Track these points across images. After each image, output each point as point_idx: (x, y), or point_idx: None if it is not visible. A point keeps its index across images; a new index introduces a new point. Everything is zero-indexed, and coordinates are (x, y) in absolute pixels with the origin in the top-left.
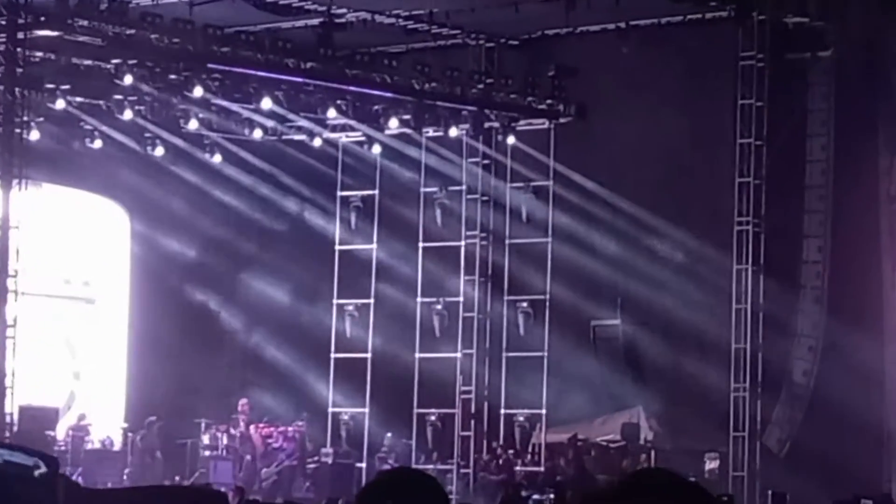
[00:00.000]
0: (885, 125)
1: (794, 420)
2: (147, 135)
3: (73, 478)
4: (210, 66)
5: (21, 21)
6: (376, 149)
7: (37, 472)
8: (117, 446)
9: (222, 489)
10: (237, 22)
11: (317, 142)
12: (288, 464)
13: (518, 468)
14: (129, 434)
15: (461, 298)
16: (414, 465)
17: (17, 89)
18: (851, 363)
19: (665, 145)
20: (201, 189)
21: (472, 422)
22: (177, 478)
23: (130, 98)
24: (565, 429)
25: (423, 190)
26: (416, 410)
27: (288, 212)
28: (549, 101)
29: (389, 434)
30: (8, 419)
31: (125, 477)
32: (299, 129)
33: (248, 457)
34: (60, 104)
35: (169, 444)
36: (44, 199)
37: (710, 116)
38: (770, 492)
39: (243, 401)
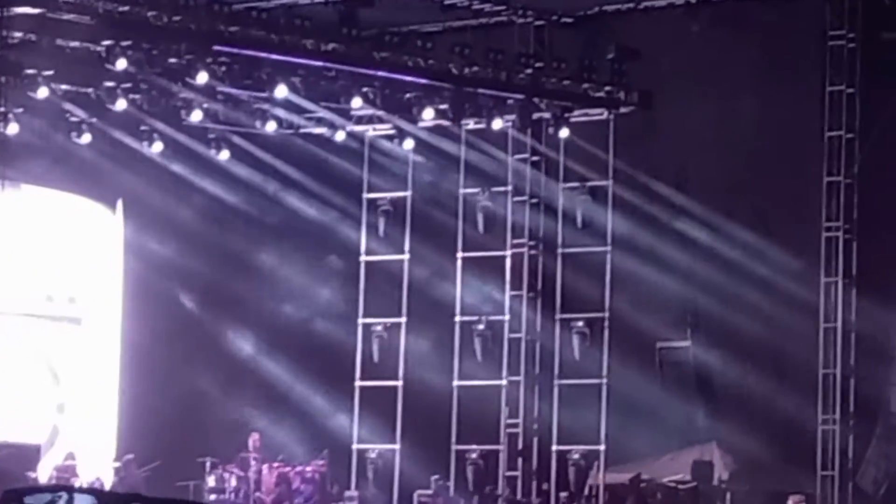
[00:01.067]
0: None
1: (891, 457)
2: (143, 128)
3: None
4: (216, 48)
5: None
6: (408, 144)
7: None
8: (108, 488)
9: None
10: None
11: (339, 136)
12: None
13: None
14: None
15: (506, 317)
16: None
17: None
18: None
19: (742, 139)
20: (206, 191)
21: (520, 460)
22: None
23: (124, 85)
24: (627, 468)
25: (462, 191)
26: (454, 447)
27: (306, 217)
28: (607, 88)
29: (436, 476)
30: None
31: None
32: (319, 122)
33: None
34: (43, 93)
35: (167, 486)
36: (23, 202)
37: (795, 106)
38: None
39: (255, 436)
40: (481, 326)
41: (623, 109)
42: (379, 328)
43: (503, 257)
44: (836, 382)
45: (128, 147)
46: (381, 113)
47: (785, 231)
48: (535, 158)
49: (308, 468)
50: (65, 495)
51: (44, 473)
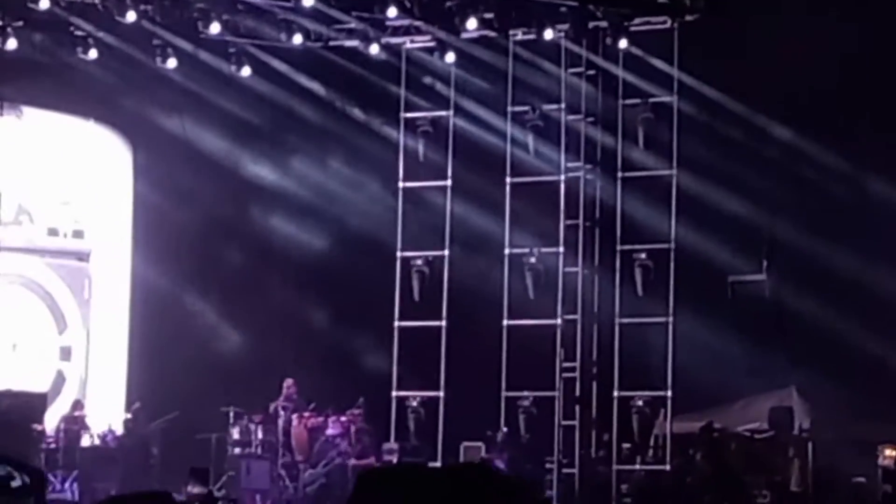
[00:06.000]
0: None
1: None
2: (156, 42)
3: (68, 483)
4: None
5: None
6: (450, 57)
7: (14, 484)
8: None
9: (257, 497)
10: None
11: (373, 49)
12: (340, 463)
13: (637, 466)
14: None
15: (561, 249)
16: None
17: None
18: None
19: (828, 50)
20: (225, 111)
21: (577, 407)
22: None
23: None
24: (697, 416)
25: (510, 109)
26: (504, 394)
27: (337, 139)
28: None
29: (505, 429)
30: None
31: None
32: (351, 33)
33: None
34: (44, 3)
35: (187, 439)
36: (24, 126)
37: (891, 12)
38: None
39: (288, 382)
40: (533, 259)
41: (689, 17)
42: (419, 262)
43: (557, 182)
44: None
45: (139, 64)
46: (419, 23)
47: (873, 152)
48: (591, 72)
49: (343, 418)
50: None
51: (50, 424)
